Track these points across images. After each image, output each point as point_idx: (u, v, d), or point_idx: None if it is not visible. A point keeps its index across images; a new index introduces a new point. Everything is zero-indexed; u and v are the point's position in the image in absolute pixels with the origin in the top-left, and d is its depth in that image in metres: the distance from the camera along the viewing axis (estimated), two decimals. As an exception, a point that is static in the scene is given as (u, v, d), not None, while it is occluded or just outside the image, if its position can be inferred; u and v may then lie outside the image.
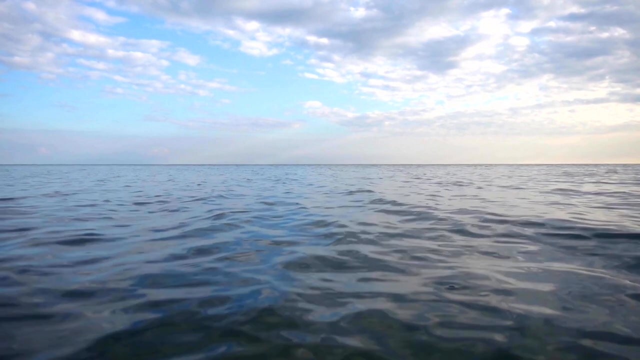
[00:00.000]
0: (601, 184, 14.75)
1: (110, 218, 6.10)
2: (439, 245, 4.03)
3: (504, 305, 2.30)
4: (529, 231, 4.80)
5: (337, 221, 5.55)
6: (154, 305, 2.32)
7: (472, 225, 5.25)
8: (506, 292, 2.55)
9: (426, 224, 5.42)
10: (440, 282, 2.76)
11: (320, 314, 2.19)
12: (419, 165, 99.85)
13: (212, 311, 2.23)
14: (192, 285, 2.71)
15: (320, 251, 3.74)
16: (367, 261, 3.38)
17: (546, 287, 2.66)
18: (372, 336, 1.94)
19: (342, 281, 2.81)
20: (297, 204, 8.08)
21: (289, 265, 3.22)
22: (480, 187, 13.60)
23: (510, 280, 2.82)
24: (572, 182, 16.79)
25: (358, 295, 2.50)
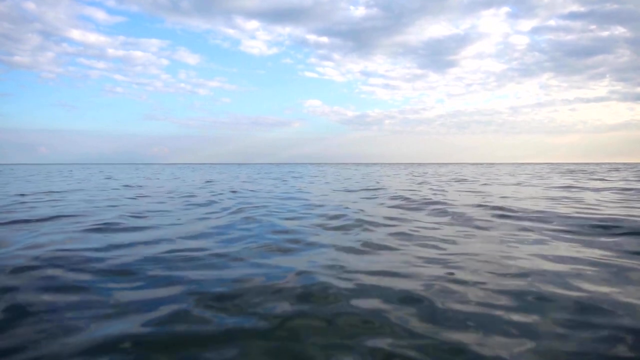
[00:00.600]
0: (606, 181, 14.93)
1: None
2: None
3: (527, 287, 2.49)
4: (546, 222, 4.99)
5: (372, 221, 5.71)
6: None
7: (503, 215, 5.44)
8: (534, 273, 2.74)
9: (445, 218, 5.60)
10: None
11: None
12: (419, 164, 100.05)
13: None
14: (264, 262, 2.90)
15: (346, 241, 3.92)
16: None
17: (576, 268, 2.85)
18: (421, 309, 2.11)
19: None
20: (319, 200, 8.13)
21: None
22: (489, 185, 13.77)
23: (540, 263, 3.01)
24: (577, 178, 16.99)
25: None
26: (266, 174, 26.84)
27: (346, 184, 14.21)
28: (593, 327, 1.91)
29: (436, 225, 4.90)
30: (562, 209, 6.18)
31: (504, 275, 2.73)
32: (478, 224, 4.96)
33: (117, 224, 4.90)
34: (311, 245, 3.75)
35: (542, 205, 6.70)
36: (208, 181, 16.16)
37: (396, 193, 9.56)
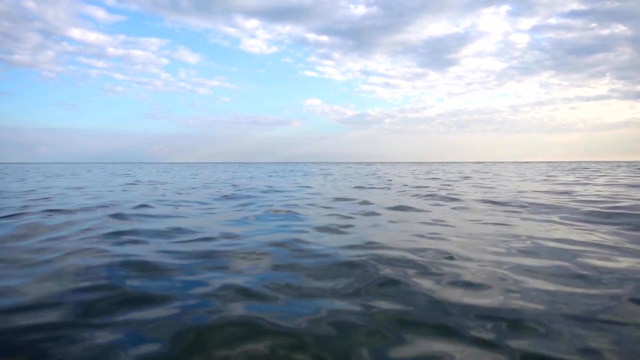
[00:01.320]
0: (611, 177, 15.45)
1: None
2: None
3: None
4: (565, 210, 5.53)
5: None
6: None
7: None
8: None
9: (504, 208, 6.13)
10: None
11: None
12: (420, 163, 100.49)
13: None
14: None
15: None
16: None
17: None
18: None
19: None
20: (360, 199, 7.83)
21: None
22: (511, 181, 14.25)
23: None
24: (584, 175, 17.49)
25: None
26: (275, 172, 27.27)
27: (362, 181, 14.72)
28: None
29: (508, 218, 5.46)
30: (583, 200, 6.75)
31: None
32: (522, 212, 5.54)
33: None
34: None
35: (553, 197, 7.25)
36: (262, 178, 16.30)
37: (434, 192, 10.08)
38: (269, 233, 4.10)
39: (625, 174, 18.46)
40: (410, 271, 2.65)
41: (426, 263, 2.85)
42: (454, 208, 6.34)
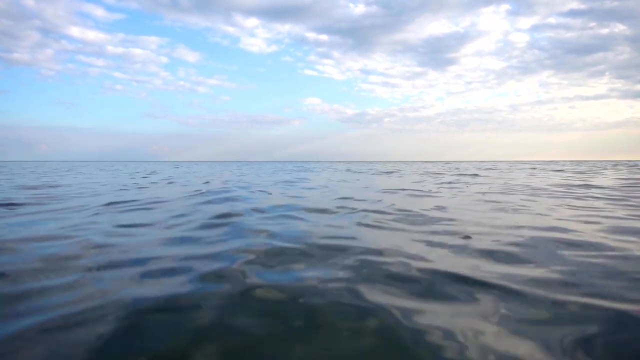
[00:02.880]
0: (617, 173, 15.59)
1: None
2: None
3: None
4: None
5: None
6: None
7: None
8: None
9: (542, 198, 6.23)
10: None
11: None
12: (423, 162, 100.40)
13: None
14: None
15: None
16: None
17: None
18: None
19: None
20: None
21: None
22: (526, 185, 14.33)
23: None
24: (591, 173, 17.60)
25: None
26: (287, 172, 27.33)
27: (387, 183, 14.78)
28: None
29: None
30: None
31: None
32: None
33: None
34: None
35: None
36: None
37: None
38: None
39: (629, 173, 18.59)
40: None
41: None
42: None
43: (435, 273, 2.43)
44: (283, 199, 6.98)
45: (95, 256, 2.90)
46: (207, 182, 12.27)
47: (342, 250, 3.06)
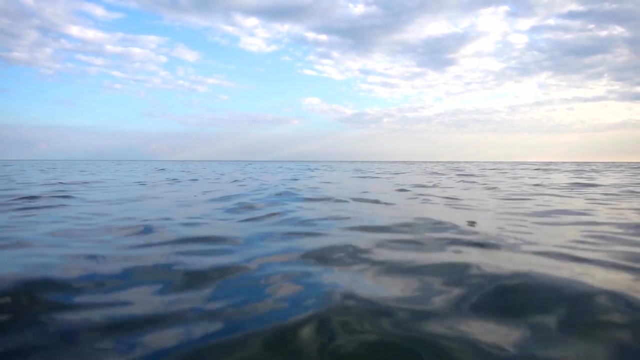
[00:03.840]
0: (618, 174, 15.92)
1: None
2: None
3: None
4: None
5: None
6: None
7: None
8: None
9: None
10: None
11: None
12: (423, 162, 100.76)
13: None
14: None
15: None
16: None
17: None
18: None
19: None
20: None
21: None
22: (534, 184, 14.64)
23: None
24: (596, 172, 17.93)
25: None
26: (297, 171, 27.58)
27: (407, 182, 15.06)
28: None
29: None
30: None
31: None
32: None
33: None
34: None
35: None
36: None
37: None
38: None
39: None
40: None
41: None
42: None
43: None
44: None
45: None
46: (264, 183, 11.22)
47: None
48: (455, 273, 2.31)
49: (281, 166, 39.38)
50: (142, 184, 10.92)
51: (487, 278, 2.19)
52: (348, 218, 4.51)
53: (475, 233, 3.55)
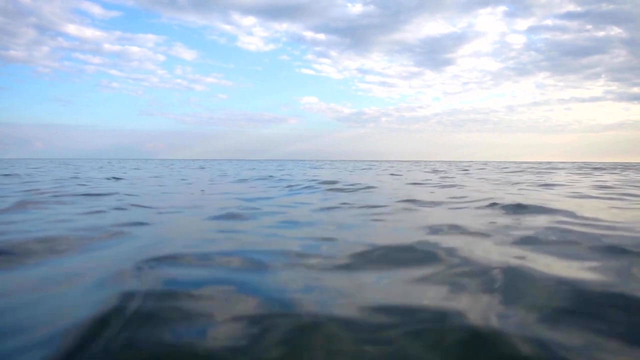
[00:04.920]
0: (620, 175, 15.92)
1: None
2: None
3: None
4: None
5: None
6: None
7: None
8: None
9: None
10: None
11: None
12: (425, 162, 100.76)
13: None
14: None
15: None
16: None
17: None
18: None
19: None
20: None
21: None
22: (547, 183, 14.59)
23: None
24: (599, 171, 17.94)
25: None
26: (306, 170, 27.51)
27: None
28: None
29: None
30: None
31: None
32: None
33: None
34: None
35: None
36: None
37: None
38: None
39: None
40: None
41: None
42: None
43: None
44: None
45: None
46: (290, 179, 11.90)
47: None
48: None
49: (281, 165, 39.26)
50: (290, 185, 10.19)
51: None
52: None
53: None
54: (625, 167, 36.62)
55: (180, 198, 6.77)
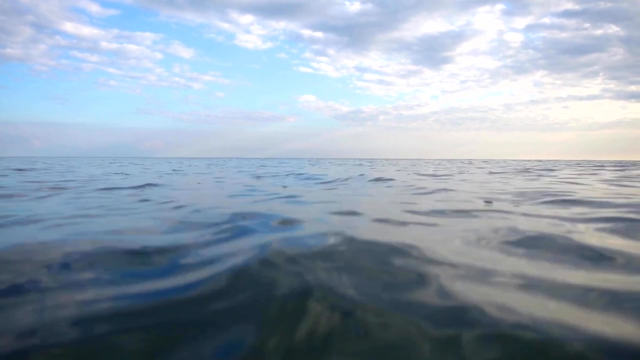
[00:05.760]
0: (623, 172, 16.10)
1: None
2: None
3: None
4: None
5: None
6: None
7: None
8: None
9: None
10: None
11: None
12: (426, 160, 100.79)
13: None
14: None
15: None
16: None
17: None
18: None
19: None
20: None
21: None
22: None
23: None
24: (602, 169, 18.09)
25: None
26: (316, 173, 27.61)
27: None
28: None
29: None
30: None
31: None
32: None
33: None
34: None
35: None
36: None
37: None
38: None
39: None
40: None
41: None
42: None
43: None
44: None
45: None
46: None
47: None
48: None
49: (283, 162, 39.26)
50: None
51: None
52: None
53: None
54: (624, 165, 36.82)
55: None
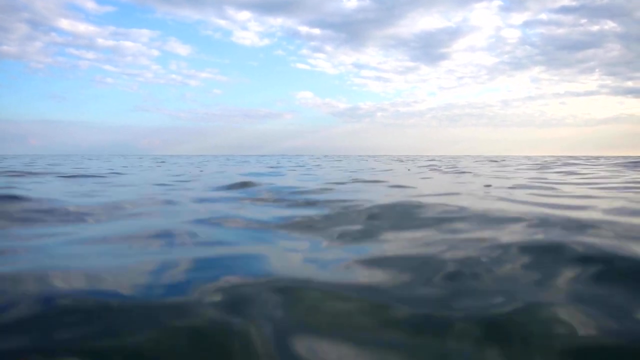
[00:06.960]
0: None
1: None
2: None
3: None
4: None
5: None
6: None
7: None
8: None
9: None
10: None
11: None
12: (424, 157, 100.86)
13: None
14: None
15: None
16: None
17: None
18: None
19: None
20: None
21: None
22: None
23: None
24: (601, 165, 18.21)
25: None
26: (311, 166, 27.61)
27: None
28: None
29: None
30: None
31: None
32: None
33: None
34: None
35: None
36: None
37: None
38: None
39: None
40: None
41: None
42: None
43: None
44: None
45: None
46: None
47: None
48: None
49: (285, 159, 39.11)
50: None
51: None
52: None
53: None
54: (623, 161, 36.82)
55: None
